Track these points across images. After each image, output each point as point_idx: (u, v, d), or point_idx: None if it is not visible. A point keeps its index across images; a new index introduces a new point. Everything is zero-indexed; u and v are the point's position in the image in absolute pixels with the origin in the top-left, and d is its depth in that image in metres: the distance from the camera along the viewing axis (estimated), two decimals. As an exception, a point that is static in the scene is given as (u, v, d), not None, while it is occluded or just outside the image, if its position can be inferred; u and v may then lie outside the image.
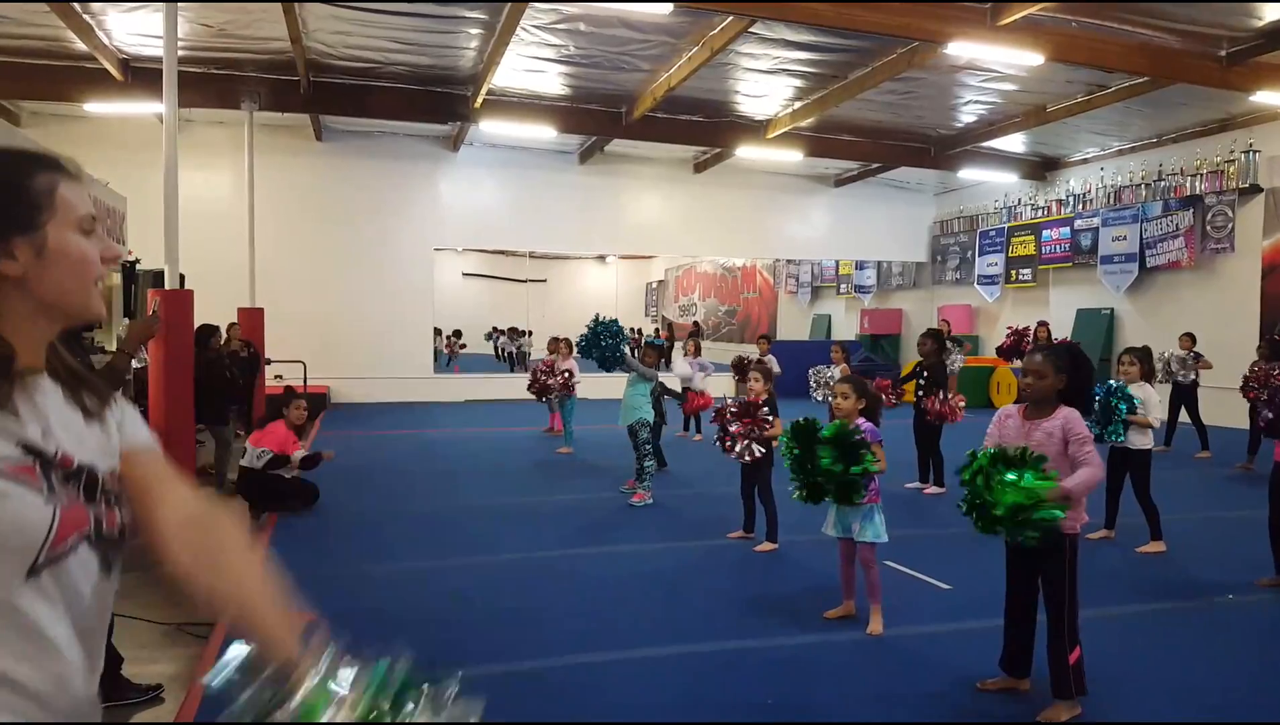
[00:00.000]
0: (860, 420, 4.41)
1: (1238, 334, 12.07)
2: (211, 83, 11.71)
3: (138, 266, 10.30)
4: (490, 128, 13.60)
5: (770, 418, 5.78)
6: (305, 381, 13.04)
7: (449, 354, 21.64)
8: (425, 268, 16.29)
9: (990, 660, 3.71)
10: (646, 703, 3.58)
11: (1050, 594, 3.43)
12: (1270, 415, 5.12)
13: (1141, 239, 14.14)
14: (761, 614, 4.67)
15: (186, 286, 8.02)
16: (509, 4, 9.10)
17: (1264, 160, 12.65)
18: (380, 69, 11.83)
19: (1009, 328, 13.48)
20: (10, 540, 0.99)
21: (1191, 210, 13.42)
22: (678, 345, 21.99)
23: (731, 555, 5.87)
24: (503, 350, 24.62)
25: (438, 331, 19.48)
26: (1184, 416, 10.34)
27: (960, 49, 9.52)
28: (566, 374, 10.08)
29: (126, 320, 9.29)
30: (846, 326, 22.07)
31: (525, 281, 25.91)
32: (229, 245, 12.84)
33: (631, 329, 20.86)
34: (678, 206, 17.69)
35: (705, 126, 14.09)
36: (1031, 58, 9.53)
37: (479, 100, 12.28)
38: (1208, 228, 13.23)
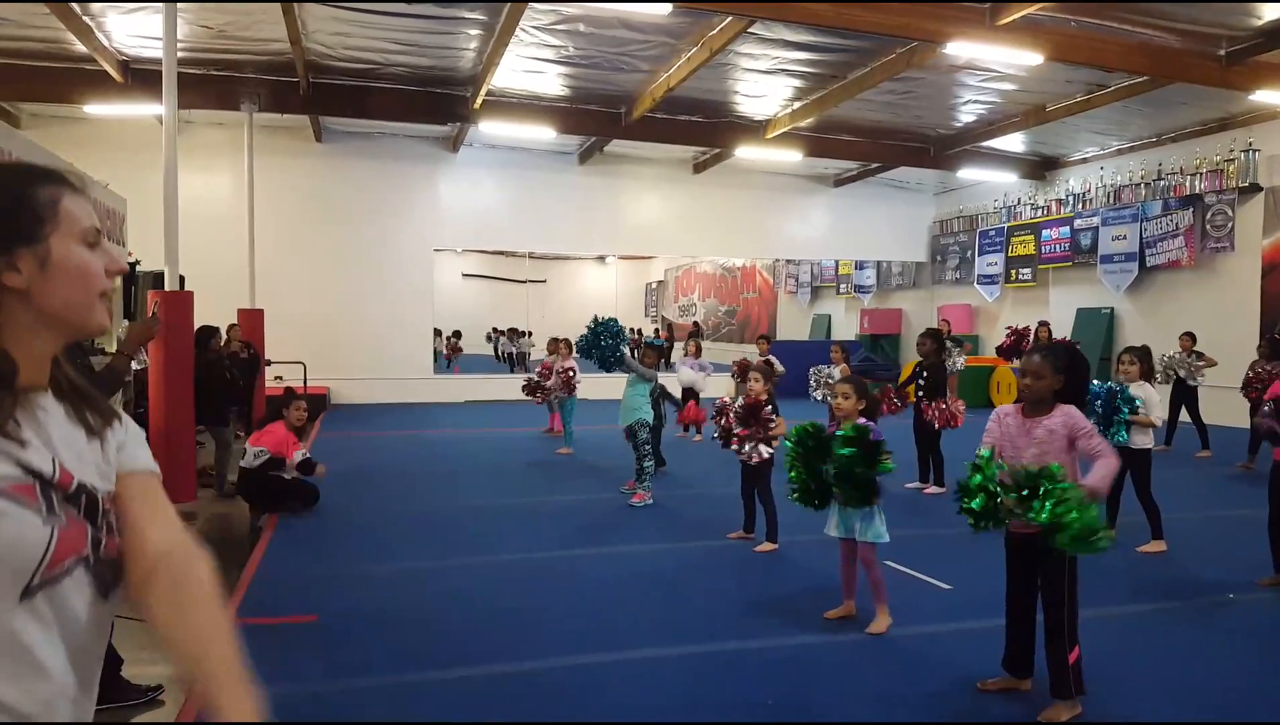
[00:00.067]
0: (861, 421, 4.42)
1: (1238, 333, 12.07)
2: (211, 84, 11.72)
3: (138, 268, 10.31)
4: (490, 128, 13.60)
5: (774, 418, 5.81)
6: (305, 382, 13.04)
7: (447, 357, 21.61)
8: (425, 269, 16.29)
9: (990, 660, 3.71)
10: (646, 703, 3.58)
11: (1050, 594, 3.43)
12: (1274, 425, 5.09)
13: (1141, 238, 14.14)
14: (762, 614, 4.67)
15: (186, 288, 8.03)
16: (508, 5, 9.11)
17: (1263, 159, 12.65)
18: (380, 70, 11.83)
19: (1009, 327, 13.48)
20: (5, 561, 0.98)
21: (1191, 209, 13.42)
22: (678, 345, 22.01)
23: (731, 556, 5.87)
24: (502, 351, 24.62)
25: (437, 332, 19.48)
26: (1184, 416, 10.34)
27: (959, 49, 9.52)
28: (569, 372, 10.11)
29: (126, 322, 9.30)
30: (846, 326, 22.07)
31: (525, 282, 25.94)
32: (229, 246, 12.85)
33: (631, 329, 20.84)
34: (677, 207, 17.69)
35: (704, 127, 14.09)
36: (1031, 57, 9.53)
37: (478, 101, 12.29)
38: (1207, 227, 13.23)
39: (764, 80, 11.92)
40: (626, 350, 7.47)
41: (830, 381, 8.18)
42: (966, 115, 13.66)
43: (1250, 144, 12.74)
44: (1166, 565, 5.67)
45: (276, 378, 12.63)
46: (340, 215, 15.43)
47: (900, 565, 5.34)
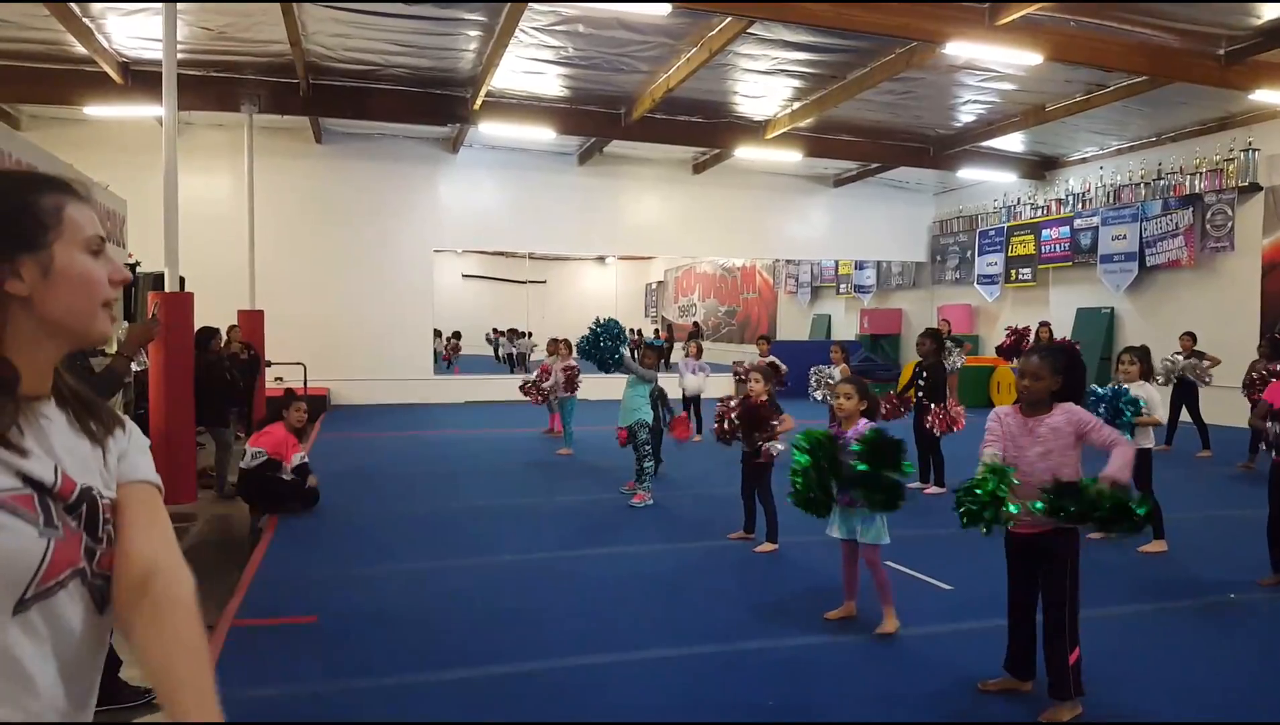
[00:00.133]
0: (862, 421, 4.42)
1: (1238, 333, 12.07)
2: (211, 85, 11.73)
3: (138, 269, 10.31)
4: (489, 129, 13.61)
5: (779, 418, 5.84)
6: (305, 383, 13.05)
7: (446, 359, 21.60)
8: (425, 269, 16.30)
9: (991, 661, 3.71)
10: (647, 704, 3.58)
11: (1051, 594, 3.43)
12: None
13: (1141, 238, 14.14)
14: (762, 615, 4.67)
15: (186, 289, 8.04)
16: (508, 5, 9.11)
17: (1263, 158, 12.65)
18: (379, 71, 11.83)
19: (1009, 327, 13.46)
20: None
21: (1191, 209, 13.42)
22: (678, 346, 22.00)
23: (732, 556, 5.87)
24: (503, 352, 24.62)
25: (437, 333, 19.49)
26: (1185, 416, 10.34)
27: (959, 49, 9.52)
28: (573, 368, 10.13)
29: (126, 323, 9.30)
30: (846, 326, 22.08)
31: (525, 283, 25.93)
32: (229, 248, 12.86)
33: (631, 330, 20.85)
34: (677, 207, 17.70)
35: (704, 127, 14.10)
36: (1030, 57, 9.53)
37: (478, 102, 12.29)
38: (1207, 226, 13.23)
39: (763, 81, 11.92)
40: (626, 351, 7.47)
41: (830, 382, 8.18)
42: (966, 115, 13.66)
43: (1250, 143, 12.74)
44: (1167, 565, 5.66)
45: (277, 379, 12.63)
46: (340, 216, 15.44)
47: (901, 566, 5.33)
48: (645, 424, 7.33)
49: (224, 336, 9.08)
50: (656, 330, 28.68)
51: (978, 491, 3.24)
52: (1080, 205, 15.63)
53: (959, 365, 9.13)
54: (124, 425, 1.19)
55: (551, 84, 12.29)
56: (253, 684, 3.65)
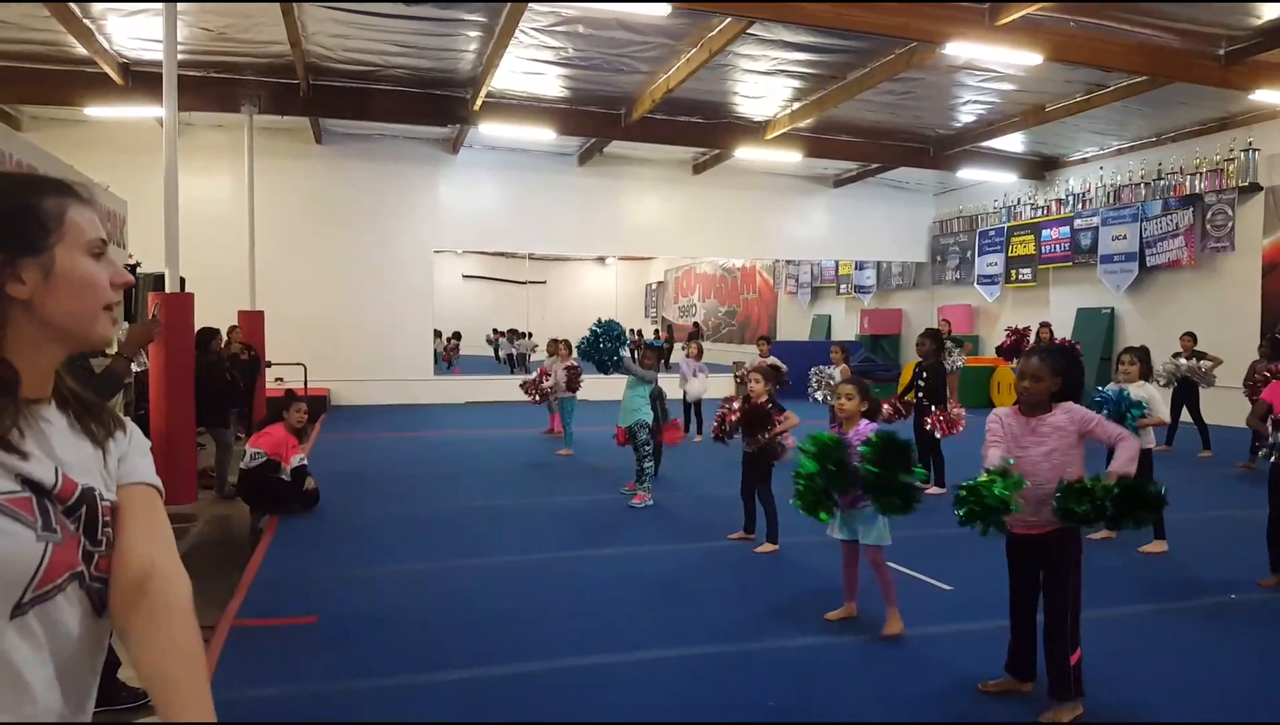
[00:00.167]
0: (863, 422, 4.42)
1: (1238, 333, 12.07)
2: (211, 86, 11.73)
3: (138, 270, 10.32)
4: (489, 130, 13.60)
5: (783, 416, 5.87)
6: (306, 384, 13.05)
7: (446, 360, 21.60)
8: (425, 270, 16.30)
9: (991, 661, 3.71)
10: (647, 704, 3.58)
11: (1052, 594, 3.42)
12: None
13: (1141, 238, 14.14)
14: (762, 615, 4.67)
15: (187, 289, 8.04)
16: (508, 6, 9.11)
17: (1263, 158, 12.65)
18: (380, 72, 11.84)
19: (1009, 328, 13.48)
20: None
21: (1191, 209, 13.42)
22: (678, 346, 22.01)
23: (732, 557, 5.87)
24: (503, 352, 24.62)
25: (438, 334, 19.50)
26: (1185, 416, 10.33)
27: (958, 49, 9.52)
28: (575, 367, 10.13)
29: (126, 324, 9.30)
30: (846, 327, 22.07)
31: (525, 283, 25.92)
32: (229, 248, 12.86)
33: (631, 330, 20.84)
34: (677, 208, 17.70)
35: (704, 128, 14.10)
36: (1030, 57, 9.53)
37: (478, 103, 12.29)
38: (1208, 226, 13.23)
39: (763, 81, 11.92)
40: (625, 352, 7.47)
41: (831, 382, 8.18)
42: (966, 115, 13.66)
43: (1250, 143, 12.74)
44: (1167, 565, 5.67)
45: (277, 379, 12.63)
46: (340, 217, 15.44)
47: (901, 566, 5.33)
48: (645, 424, 7.32)
49: (224, 337, 9.08)
50: (656, 331, 28.66)
51: (983, 493, 3.24)
52: (1080, 205, 15.63)
53: (959, 366, 9.14)
54: (125, 427, 1.19)
55: (551, 84, 12.29)
56: (253, 684, 3.65)
